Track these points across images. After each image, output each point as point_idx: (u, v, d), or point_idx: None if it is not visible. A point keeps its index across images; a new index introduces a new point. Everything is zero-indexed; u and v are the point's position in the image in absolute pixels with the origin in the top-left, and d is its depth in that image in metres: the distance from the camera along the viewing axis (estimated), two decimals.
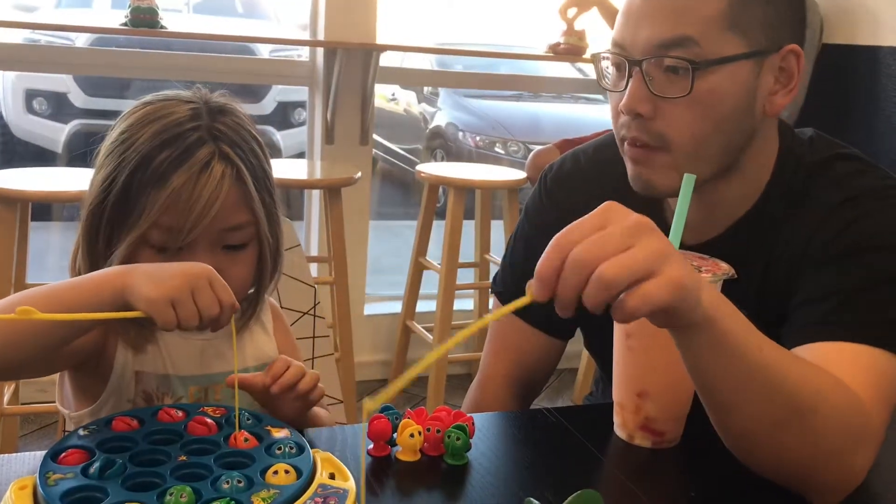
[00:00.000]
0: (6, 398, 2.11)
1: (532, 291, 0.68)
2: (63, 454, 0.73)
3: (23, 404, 2.24)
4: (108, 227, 0.91)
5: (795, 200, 0.98)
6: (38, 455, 0.74)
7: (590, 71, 4.76)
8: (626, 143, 0.96)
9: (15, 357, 0.79)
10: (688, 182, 0.89)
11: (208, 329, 0.81)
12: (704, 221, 1.00)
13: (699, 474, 0.91)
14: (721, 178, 0.97)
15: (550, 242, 0.68)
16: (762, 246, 0.99)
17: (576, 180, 1.14)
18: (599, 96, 5.65)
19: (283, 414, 0.91)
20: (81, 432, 0.77)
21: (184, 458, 0.74)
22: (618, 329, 0.92)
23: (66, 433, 0.79)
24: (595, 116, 5.44)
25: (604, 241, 0.66)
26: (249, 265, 0.95)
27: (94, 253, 0.92)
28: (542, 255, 0.67)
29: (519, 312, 1.13)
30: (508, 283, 1.19)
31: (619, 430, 0.95)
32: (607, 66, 0.98)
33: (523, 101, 5.76)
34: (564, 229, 0.68)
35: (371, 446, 0.88)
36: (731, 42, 0.90)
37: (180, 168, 0.88)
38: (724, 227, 1.02)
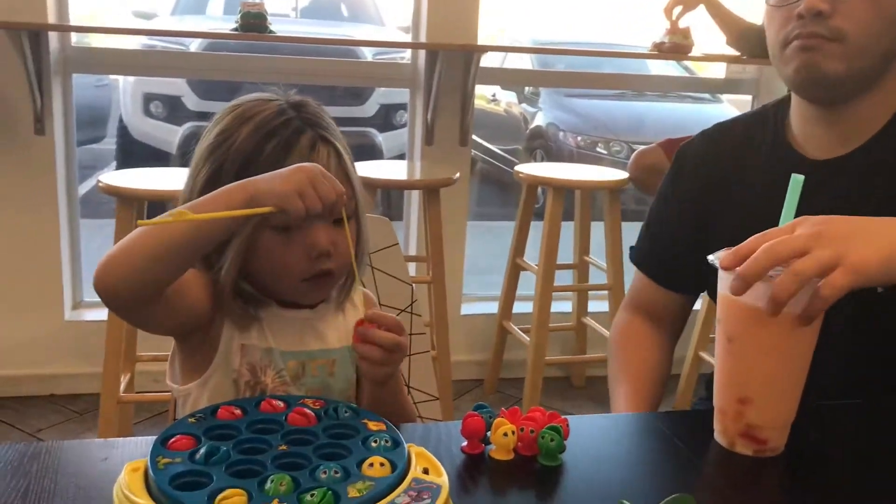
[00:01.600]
0: (122, 386, 2.22)
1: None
2: (172, 440, 0.77)
3: (137, 393, 2.36)
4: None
5: None
6: (150, 440, 0.78)
7: (696, 69, 4.64)
8: (795, 42, 1.05)
9: (155, 273, 0.85)
10: (795, 184, 0.87)
11: (329, 217, 0.87)
12: (837, 138, 1.11)
13: (802, 486, 0.88)
14: (862, 92, 1.07)
15: (755, 236, 0.83)
16: (891, 166, 1.07)
17: (699, 146, 1.27)
18: (706, 95, 5.51)
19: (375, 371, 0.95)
20: (189, 420, 0.81)
21: (284, 447, 0.77)
22: (720, 333, 0.90)
23: (176, 420, 0.83)
24: (700, 115, 5.31)
25: (793, 240, 0.81)
26: (352, 237, 1.00)
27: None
28: (745, 242, 0.84)
29: (650, 275, 1.30)
30: (644, 252, 1.32)
31: (719, 437, 0.92)
32: None
33: (626, 100, 5.67)
34: (764, 232, 0.84)
35: (465, 444, 0.89)
36: None
37: (290, 155, 0.95)
38: (855, 146, 1.10)
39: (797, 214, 0.87)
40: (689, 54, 2.85)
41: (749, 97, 3.37)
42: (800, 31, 1.04)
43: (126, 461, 0.76)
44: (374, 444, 0.78)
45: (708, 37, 2.97)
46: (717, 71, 3.52)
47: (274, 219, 0.92)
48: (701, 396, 1.30)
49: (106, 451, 0.86)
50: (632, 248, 1.34)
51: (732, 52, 2.96)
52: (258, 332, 1.00)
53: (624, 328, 1.32)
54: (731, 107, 5.14)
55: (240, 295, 0.98)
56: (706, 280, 1.11)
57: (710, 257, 0.89)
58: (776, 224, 0.87)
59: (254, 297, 0.99)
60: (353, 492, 0.70)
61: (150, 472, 0.72)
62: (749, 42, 2.74)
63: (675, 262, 1.26)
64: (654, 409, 1.21)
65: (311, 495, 0.68)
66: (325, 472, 0.72)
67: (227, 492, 0.68)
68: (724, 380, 0.90)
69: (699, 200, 1.23)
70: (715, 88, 4.32)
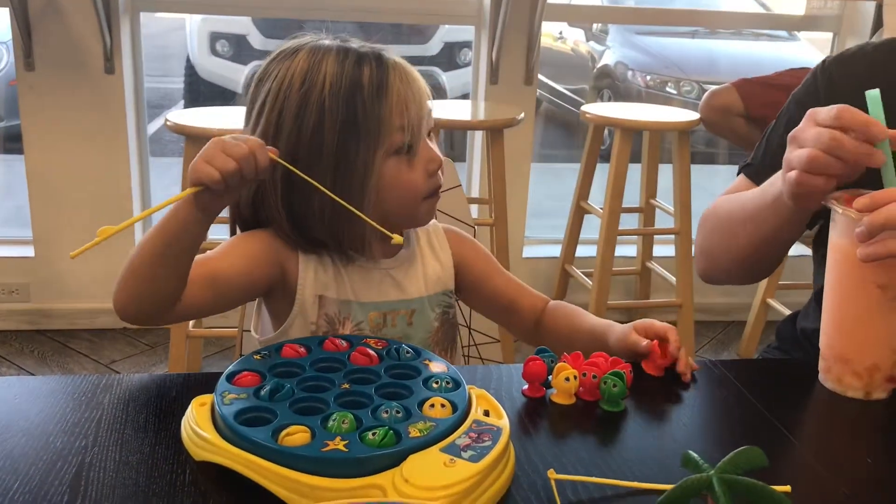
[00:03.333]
0: (191, 322, 2.28)
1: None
2: (238, 376, 0.78)
3: (206, 328, 2.43)
4: (344, 162, 0.94)
5: None
6: (218, 375, 0.79)
7: (772, 5, 4.44)
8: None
9: (153, 287, 0.87)
10: (873, 100, 0.87)
11: (252, 177, 0.84)
12: None
13: (879, 435, 0.85)
14: None
15: None
16: None
17: (858, 64, 1.11)
18: (782, 32, 5.28)
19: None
20: (255, 357, 0.82)
21: (346, 385, 0.78)
22: (866, 284, 0.86)
23: (243, 356, 0.85)
24: (777, 54, 5.10)
25: None
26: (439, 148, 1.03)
27: (334, 187, 0.93)
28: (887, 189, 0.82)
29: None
30: (758, 159, 1.17)
31: (853, 391, 0.90)
32: None
33: (698, 37, 5.46)
34: None
35: (526, 387, 0.88)
36: None
37: (389, 74, 0.95)
38: None
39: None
40: None
41: (829, 35, 3.21)
42: None
43: (194, 395, 0.78)
44: (435, 385, 0.78)
45: None
46: (797, 7, 3.36)
47: (395, 142, 0.95)
48: (770, 344, 1.27)
49: (175, 385, 0.88)
50: (745, 164, 1.20)
51: None
52: (337, 284, 0.99)
53: (721, 198, 1.18)
54: (809, 45, 4.92)
55: (324, 247, 0.99)
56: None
57: (826, 201, 0.88)
58: None
59: (337, 250, 0.99)
60: (414, 432, 0.70)
61: (217, 406, 0.73)
62: None
63: None
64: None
65: (373, 434, 0.69)
66: (386, 412, 0.72)
67: (291, 428, 0.69)
68: (879, 333, 0.88)
69: None
70: (793, 25, 4.11)
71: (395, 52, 1.00)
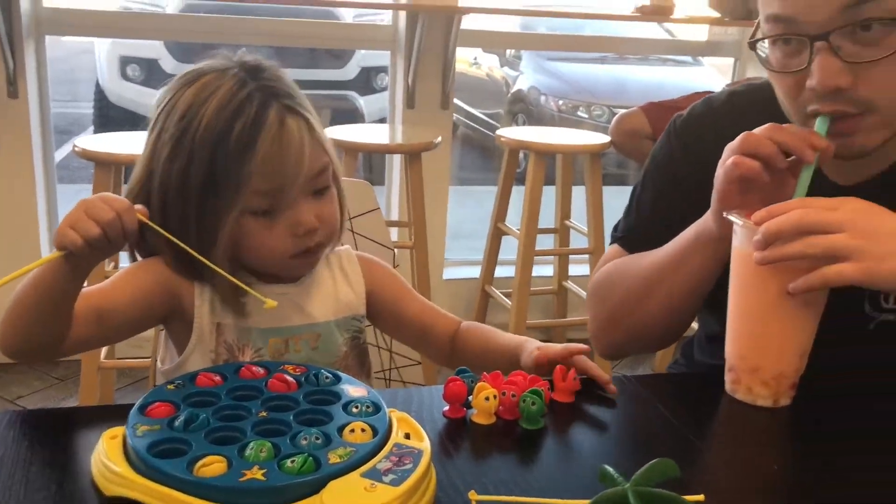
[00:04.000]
0: (103, 353, 2.21)
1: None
2: (151, 407, 0.76)
3: (118, 359, 2.35)
4: (199, 213, 0.92)
5: None
6: (130, 407, 0.77)
7: (677, 32, 4.61)
8: (816, 119, 0.90)
9: (35, 340, 0.87)
10: (822, 124, 0.89)
11: (120, 241, 0.83)
12: (858, 164, 0.96)
13: (789, 446, 0.89)
14: None
15: (796, 199, 0.83)
16: None
17: (707, 124, 1.09)
18: (687, 58, 5.49)
19: None
20: (168, 387, 0.80)
21: (264, 413, 0.76)
22: (771, 292, 0.87)
23: (156, 387, 0.82)
24: (682, 79, 5.29)
25: (828, 214, 0.81)
26: (336, 202, 1.00)
27: (188, 240, 0.90)
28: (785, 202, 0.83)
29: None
30: (632, 229, 1.15)
31: (763, 399, 0.93)
32: (764, 45, 0.93)
33: (608, 63, 5.64)
34: (808, 199, 0.83)
35: (446, 408, 0.89)
36: None
37: (260, 134, 0.90)
38: (878, 170, 0.98)
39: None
40: (671, 16, 2.83)
41: (731, 60, 3.36)
42: (819, 107, 0.88)
43: (105, 428, 0.75)
44: (354, 410, 0.78)
45: (690, 1, 2.95)
46: (700, 34, 3.50)
47: (253, 205, 0.91)
48: (677, 360, 1.30)
49: (84, 418, 0.85)
50: (615, 229, 1.19)
51: (714, 13, 2.95)
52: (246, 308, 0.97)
53: (610, 265, 1.14)
54: (713, 70, 5.12)
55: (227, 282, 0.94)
56: None
57: (727, 214, 0.90)
58: None
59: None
60: (333, 458, 0.69)
61: (129, 439, 0.71)
62: (732, 2, 2.73)
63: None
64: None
65: (292, 461, 0.68)
66: (305, 439, 0.71)
67: (207, 458, 0.68)
68: (791, 340, 0.91)
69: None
70: (697, 51, 4.29)
71: (296, 91, 0.95)
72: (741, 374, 0.93)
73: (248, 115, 0.90)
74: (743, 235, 0.89)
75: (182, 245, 0.87)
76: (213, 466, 0.67)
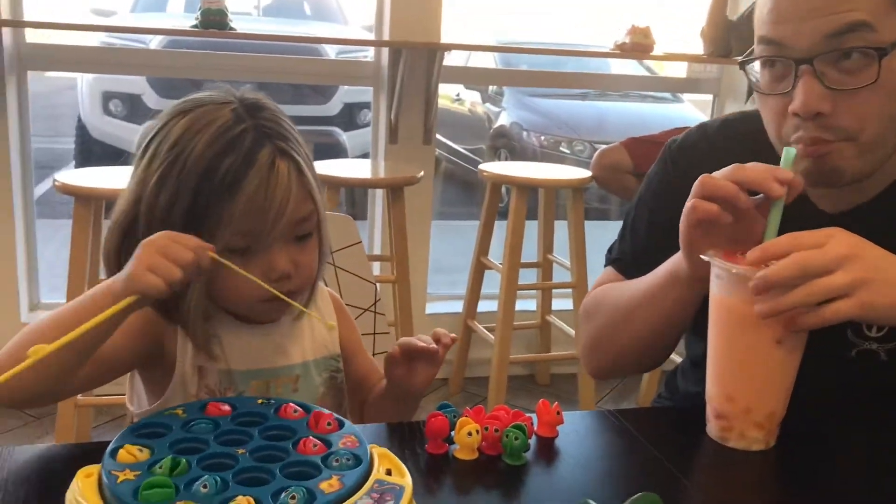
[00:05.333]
0: None
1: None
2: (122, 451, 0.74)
3: (96, 396, 2.31)
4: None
5: None
6: (106, 443, 0.75)
7: (657, 68, 4.69)
8: (800, 144, 0.91)
9: (48, 385, 0.83)
10: (787, 156, 0.89)
11: (198, 279, 0.82)
12: (852, 189, 0.98)
13: (774, 480, 0.88)
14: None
15: (786, 236, 0.81)
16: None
17: (702, 149, 1.11)
18: (667, 94, 5.56)
19: (415, 382, 0.97)
20: (135, 433, 0.78)
21: (242, 451, 0.75)
22: (761, 339, 0.86)
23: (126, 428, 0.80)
24: (661, 114, 5.36)
25: (824, 256, 0.80)
26: (315, 251, 0.97)
27: None
28: (776, 241, 0.83)
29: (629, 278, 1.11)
30: (627, 252, 1.16)
31: (757, 444, 0.91)
32: (753, 66, 0.95)
33: (589, 99, 5.70)
34: (796, 235, 0.81)
35: (428, 443, 0.88)
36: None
37: (248, 173, 0.88)
38: (873, 194, 0.99)
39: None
40: (651, 53, 2.88)
41: (710, 97, 3.40)
42: (801, 133, 0.90)
43: (80, 467, 0.73)
44: (335, 463, 0.77)
45: (669, 36, 3.00)
46: (678, 70, 3.56)
47: (232, 244, 0.89)
48: (661, 394, 1.30)
49: (59, 457, 0.83)
50: (609, 251, 1.21)
51: (693, 51, 2.99)
52: (216, 353, 0.96)
53: (599, 289, 1.17)
54: (692, 107, 5.20)
55: (202, 316, 0.93)
56: None
57: (704, 256, 0.88)
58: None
59: (209, 314, 0.95)
60: (325, 487, 0.69)
61: (108, 484, 0.69)
62: (721, 37, 2.79)
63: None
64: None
65: (293, 497, 0.67)
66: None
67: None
68: (776, 382, 0.89)
69: None
70: (676, 87, 4.35)
71: (292, 134, 0.93)
72: (733, 419, 0.90)
73: (238, 152, 0.88)
74: (729, 282, 0.87)
75: (260, 282, 0.87)
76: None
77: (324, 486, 0.71)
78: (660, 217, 1.12)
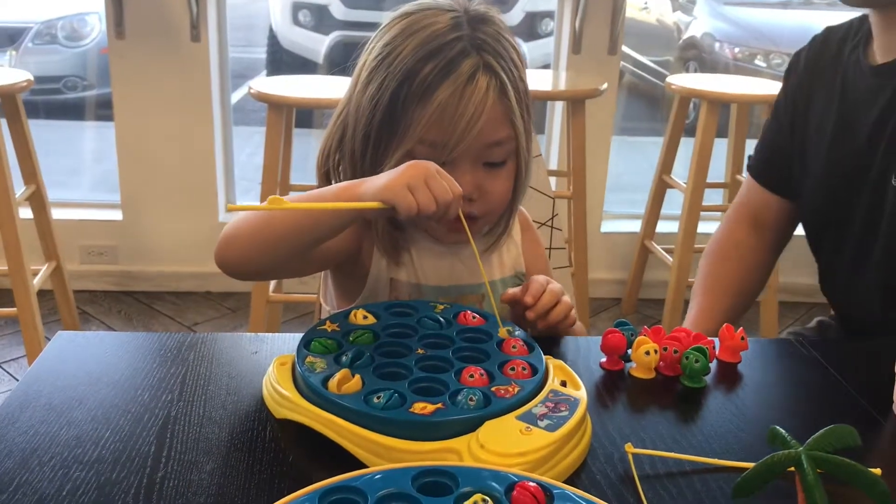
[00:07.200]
0: (271, 287, 2.33)
1: None
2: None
3: (285, 293, 2.47)
4: (375, 143, 0.91)
5: None
6: (298, 336, 0.80)
7: None
8: None
9: (271, 258, 0.85)
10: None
11: (446, 220, 0.81)
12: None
13: None
14: None
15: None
16: None
17: (804, 54, 1.25)
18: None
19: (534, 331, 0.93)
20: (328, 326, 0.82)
21: (422, 351, 0.78)
22: None
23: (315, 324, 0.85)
24: None
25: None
26: (508, 181, 0.94)
27: (361, 168, 0.93)
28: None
29: (755, 176, 1.30)
30: (758, 159, 1.31)
31: None
32: None
33: (791, 8, 5.26)
34: None
35: (604, 359, 0.87)
36: None
37: (445, 81, 0.86)
38: None
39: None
40: None
41: None
42: None
43: (274, 355, 0.79)
44: (513, 350, 0.78)
45: None
46: None
47: (417, 153, 0.88)
48: (819, 319, 1.32)
49: (256, 345, 0.90)
50: (749, 157, 1.34)
51: None
52: (407, 266, 0.98)
53: (722, 239, 1.34)
54: None
55: (392, 226, 0.95)
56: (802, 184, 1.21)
57: None
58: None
59: (404, 229, 0.96)
60: (500, 392, 0.71)
61: (302, 373, 0.74)
62: None
63: (780, 165, 1.26)
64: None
65: (471, 399, 0.70)
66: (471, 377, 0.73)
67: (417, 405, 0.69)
68: None
69: (798, 105, 1.24)
70: None
71: (509, 54, 0.90)
72: None
73: (442, 59, 0.87)
74: None
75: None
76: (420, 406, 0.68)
77: (500, 391, 0.72)
78: (774, 120, 1.28)
